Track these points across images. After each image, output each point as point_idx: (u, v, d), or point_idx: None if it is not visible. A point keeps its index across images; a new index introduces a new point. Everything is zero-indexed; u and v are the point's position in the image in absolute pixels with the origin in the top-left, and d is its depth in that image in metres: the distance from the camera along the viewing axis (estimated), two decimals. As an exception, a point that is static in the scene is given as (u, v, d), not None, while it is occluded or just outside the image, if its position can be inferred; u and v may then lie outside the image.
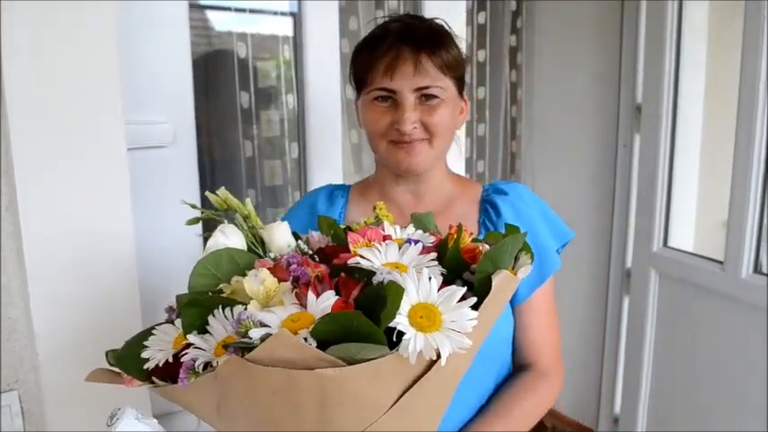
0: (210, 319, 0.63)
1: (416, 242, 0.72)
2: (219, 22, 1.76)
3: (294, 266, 0.66)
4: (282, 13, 1.78)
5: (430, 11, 1.84)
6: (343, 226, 0.82)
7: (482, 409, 1.03)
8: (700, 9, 2.04)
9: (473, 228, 1.08)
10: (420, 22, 1.04)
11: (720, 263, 1.89)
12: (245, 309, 0.62)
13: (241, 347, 0.58)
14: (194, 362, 0.61)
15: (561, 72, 2.44)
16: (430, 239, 0.78)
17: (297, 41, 1.78)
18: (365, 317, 0.58)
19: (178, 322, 0.69)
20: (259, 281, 0.64)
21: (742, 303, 1.81)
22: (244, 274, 0.70)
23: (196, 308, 0.64)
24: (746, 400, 1.81)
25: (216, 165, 1.80)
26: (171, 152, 1.52)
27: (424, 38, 1.00)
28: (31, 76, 1.15)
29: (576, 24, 2.36)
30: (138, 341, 0.71)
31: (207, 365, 0.61)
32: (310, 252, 0.76)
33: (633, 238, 2.24)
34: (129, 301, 1.30)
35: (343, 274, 0.64)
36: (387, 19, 1.07)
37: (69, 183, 1.20)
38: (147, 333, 0.72)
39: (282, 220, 1.13)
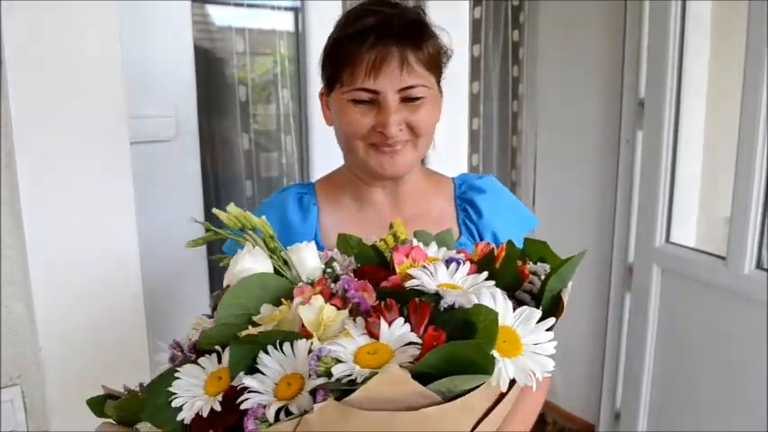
0: (263, 356, 0.57)
1: (457, 261, 0.68)
2: (220, 17, 1.76)
3: (352, 293, 0.61)
4: (279, 8, 1.77)
5: (432, 10, 1.83)
6: (368, 243, 0.77)
7: None
8: (703, 4, 2.03)
9: (453, 228, 1.05)
10: (399, 11, 0.96)
11: (723, 258, 1.89)
12: (311, 343, 0.57)
13: (331, 389, 0.53)
14: (263, 408, 0.54)
15: (564, 67, 2.44)
16: (460, 257, 0.73)
17: (299, 35, 1.78)
18: (483, 347, 0.54)
19: (204, 361, 0.62)
20: (315, 310, 0.59)
21: (744, 299, 1.81)
22: (274, 301, 0.65)
23: (247, 345, 0.58)
24: (748, 396, 1.81)
25: (217, 158, 1.80)
26: (174, 146, 1.52)
27: (407, 32, 0.93)
28: (33, 72, 1.14)
29: (579, 19, 2.36)
30: (161, 387, 0.61)
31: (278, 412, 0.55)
32: (344, 275, 0.70)
33: (635, 234, 2.24)
34: (132, 296, 1.30)
35: (416, 300, 0.59)
36: (358, 7, 0.98)
37: (72, 177, 1.20)
38: (167, 377, 0.62)
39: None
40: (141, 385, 0.70)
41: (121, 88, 1.23)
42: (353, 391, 0.52)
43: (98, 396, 0.69)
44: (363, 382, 0.52)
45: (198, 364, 0.62)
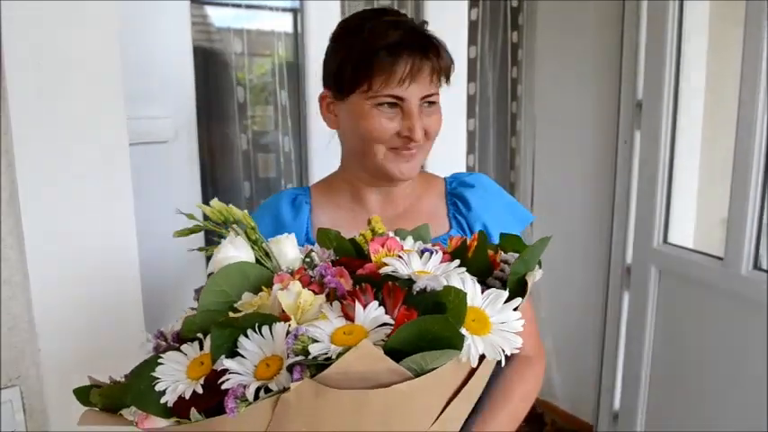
0: (243, 340, 0.59)
1: (431, 251, 0.71)
2: (218, 18, 1.76)
3: (329, 278, 0.64)
4: (278, 9, 1.78)
5: (431, 10, 1.84)
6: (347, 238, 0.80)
7: (482, 397, 1.04)
8: (701, 5, 2.04)
9: (443, 222, 1.09)
10: (418, 25, 1.02)
11: (720, 259, 1.89)
12: (289, 325, 0.59)
13: (307, 365, 0.55)
14: (244, 388, 0.56)
15: (562, 68, 2.44)
16: (434, 249, 0.77)
17: (298, 36, 1.78)
18: (450, 320, 0.56)
19: (186, 348, 0.65)
20: (293, 295, 0.61)
21: (742, 299, 1.82)
22: (254, 290, 0.67)
23: (228, 329, 0.60)
24: (746, 396, 1.81)
25: (215, 159, 1.80)
26: (172, 147, 1.52)
27: (432, 45, 0.99)
28: (32, 72, 1.14)
29: (577, 21, 2.36)
30: (144, 373, 0.64)
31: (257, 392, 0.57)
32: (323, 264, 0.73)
33: (633, 234, 2.25)
34: (131, 296, 1.30)
35: (390, 283, 0.62)
36: (377, 18, 1.01)
37: (71, 178, 1.20)
38: (150, 363, 0.65)
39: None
40: (126, 376, 0.72)
41: (120, 89, 1.24)
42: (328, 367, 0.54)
43: (84, 386, 0.70)
44: (338, 357, 0.54)
45: (180, 350, 0.64)
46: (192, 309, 0.76)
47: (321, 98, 1.06)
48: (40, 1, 1.13)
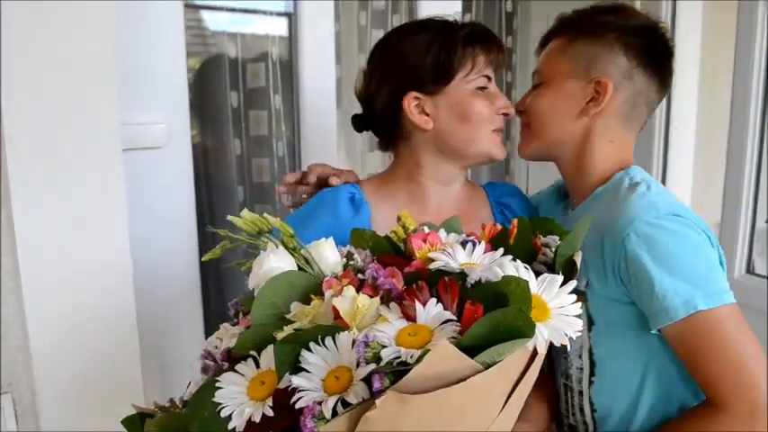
0: (306, 354, 0.57)
1: (472, 242, 0.71)
2: (213, 22, 1.76)
3: (382, 279, 0.63)
4: (272, 13, 1.78)
5: (425, 12, 1.84)
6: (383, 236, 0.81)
7: None
8: (694, 7, 2.05)
9: None
10: None
11: (714, 263, 1.89)
12: (354, 334, 0.58)
13: (387, 372, 0.54)
14: (320, 405, 0.54)
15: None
16: (472, 238, 0.77)
17: (292, 40, 1.78)
18: (524, 310, 0.56)
19: (242, 367, 0.63)
20: (349, 300, 0.60)
21: (735, 303, 1.82)
22: (302, 298, 0.66)
23: (291, 344, 0.58)
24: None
25: (209, 164, 1.80)
26: (166, 153, 1.51)
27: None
28: (26, 77, 1.13)
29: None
30: (205, 399, 0.62)
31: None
32: (364, 267, 0.72)
33: (627, 238, 2.24)
34: (124, 302, 1.29)
35: (446, 278, 0.62)
36: (449, 22, 1.09)
37: (63, 183, 1.19)
38: (209, 388, 0.63)
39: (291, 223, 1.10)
40: (172, 400, 0.71)
41: (115, 93, 1.23)
42: (406, 372, 0.53)
43: (132, 415, 0.69)
44: (417, 361, 0.53)
45: (236, 371, 0.62)
46: (231, 324, 0.76)
47: (408, 101, 1.05)
48: (39, 1, 1.13)
